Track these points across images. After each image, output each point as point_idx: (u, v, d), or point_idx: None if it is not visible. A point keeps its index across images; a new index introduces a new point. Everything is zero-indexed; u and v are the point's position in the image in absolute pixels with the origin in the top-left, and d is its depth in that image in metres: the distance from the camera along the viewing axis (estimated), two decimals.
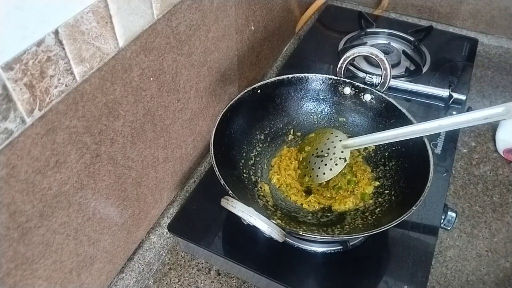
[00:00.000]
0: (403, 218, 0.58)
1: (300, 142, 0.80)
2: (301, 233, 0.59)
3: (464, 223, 0.79)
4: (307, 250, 0.68)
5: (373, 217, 0.67)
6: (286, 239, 0.58)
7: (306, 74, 0.79)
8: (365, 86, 0.77)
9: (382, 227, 0.57)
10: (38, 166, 0.45)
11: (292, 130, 0.82)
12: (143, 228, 0.72)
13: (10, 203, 0.43)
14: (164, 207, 0.77)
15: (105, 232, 0.61)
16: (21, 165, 0.43)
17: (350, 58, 0.74)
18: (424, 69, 1.02)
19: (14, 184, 0.43)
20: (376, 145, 0.77)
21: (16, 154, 0.42)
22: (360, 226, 0.66)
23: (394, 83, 0.96)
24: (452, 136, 0.87)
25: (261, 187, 0.74)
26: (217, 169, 0.62)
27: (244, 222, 0.56)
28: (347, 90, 0.78)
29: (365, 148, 0.78)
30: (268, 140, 0.81)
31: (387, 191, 0.71)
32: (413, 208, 0.58)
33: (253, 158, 0.77)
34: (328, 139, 0.74)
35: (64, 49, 0.43)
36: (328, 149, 0.72)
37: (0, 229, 0.43)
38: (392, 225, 0.57)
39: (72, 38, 0.44)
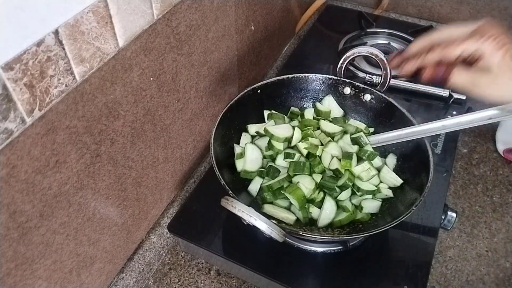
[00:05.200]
0: (403, 218, 0.58)
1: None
2: (301, 233, 0.59)
3: (464, 223, 0.79)
4: (307, 250, 0.68)
5: (373, 217, 0.67)
6: (286, 239, 0.58)
7: (306, 74, 0.79)
8: (365, 86, 0.77)
9: (382, 227, 0.57)
10: (38, 166, 0.45)
11: None
12: (143, 228, 0.72)
13: (10, 203, 0.43)
14: (164, 207, 0.77)
15: (105, 232, 0.61)
16: (21, 165, 0.43)
17: (350, 58, 0.74)
18: None
19: (14, 184, 0.43)
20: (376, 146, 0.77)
21: (16, 154, 0.42)
22: (360, 226, 0.66)
23: (394, 83, 0.96)
24: (452, 136, 0.87)
25: None
26: (217, 169, 0.62)
27: (244, 222, 0.56)
28: (347, 90, 0.78)
29: None
30: None
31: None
32: (413, 208, 0.58)
33: None
34: None
35: (64, 49, 0.43)
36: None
37: (0, 229, 0.43)
38: (392, 225, 0.57)
39: (72, 38, 0.44)
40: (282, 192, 0.66)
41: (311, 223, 0.66)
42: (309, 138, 0.72)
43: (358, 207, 0.67)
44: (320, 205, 0.66)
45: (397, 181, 0.69)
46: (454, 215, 0.72)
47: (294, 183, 0.66)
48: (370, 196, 0.68)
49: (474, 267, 0.73)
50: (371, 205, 0.66)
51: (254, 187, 0.69)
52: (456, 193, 0.84)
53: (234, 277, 0.72)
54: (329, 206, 0.65)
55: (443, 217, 0.72)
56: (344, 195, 0.66)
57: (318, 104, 0.79)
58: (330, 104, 0.79)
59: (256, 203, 0.68)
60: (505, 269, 0.73)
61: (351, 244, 0.67)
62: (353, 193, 0.68)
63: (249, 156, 0.70)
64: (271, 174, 0.68)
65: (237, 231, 0.71)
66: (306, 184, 0.66)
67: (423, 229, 0.71)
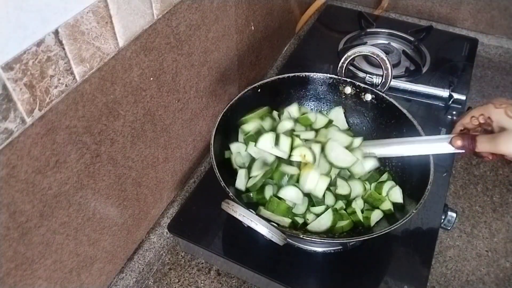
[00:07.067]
0: (403, 222, 0.57)
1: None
2: (301, 237, 0.59)
3: (464, 223, 0.79)
4: (307, 250, 0.68)
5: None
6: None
7: (306, 73, 0.78)
8: (366, 86, 0.76)
9: (382, 230, 0.57)
10: (38, 166, 0.45)
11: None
12: (143, 228, 0.72)
13: (10, 203, 0.43)
14: (164, 207, 0.77)
15: (105, 232, 0.61)
16: (21, 165, 0.43)
17: (351, 58, 0.73)
18: (424, 69, 1.02)
19: (14, 184, 0.43)
20: None
21: (16, 154, 0.42)
22: (361, 228, 0.66)
23: (394, 83, 0.96)
24: None
25: None
26: (217, 170, 0.62)
27: (245, 225, 0.56)
28: (348, 90, 0.78)
29: None
30: None
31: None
32: (413, 211, 0.58)
33: None
34: None
35: (64, 49, 0.43)
36: None
37: (0, 229, 0.43)
38: (392, 228, 0.57)
39: (72, 38, 0.44)
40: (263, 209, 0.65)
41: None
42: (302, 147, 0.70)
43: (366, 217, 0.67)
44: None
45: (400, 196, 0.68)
46: (454, 215, 0.72)
47: (274, 200, 0.65)
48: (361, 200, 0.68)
49: (474, 267, 0.73)
50: (376, 215, 0.66)
51: (240, 181, 0.68)
52: (456, 193, 0.84)
53: (234, 277, 0.72)
54: (327, 215, 0.65)
55: (443, 217, 0.72)
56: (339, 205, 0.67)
57: (331, 114, 0.79)
58: (337, 116, 0.78)
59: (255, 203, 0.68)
60: (505, 269, 0.73)
61: (351, 244, 0.67)
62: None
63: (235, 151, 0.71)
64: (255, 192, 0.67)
65: (237, 231, 0.71)
66: (291, 195, 0.65)
67: (423, 229, 0.71)
